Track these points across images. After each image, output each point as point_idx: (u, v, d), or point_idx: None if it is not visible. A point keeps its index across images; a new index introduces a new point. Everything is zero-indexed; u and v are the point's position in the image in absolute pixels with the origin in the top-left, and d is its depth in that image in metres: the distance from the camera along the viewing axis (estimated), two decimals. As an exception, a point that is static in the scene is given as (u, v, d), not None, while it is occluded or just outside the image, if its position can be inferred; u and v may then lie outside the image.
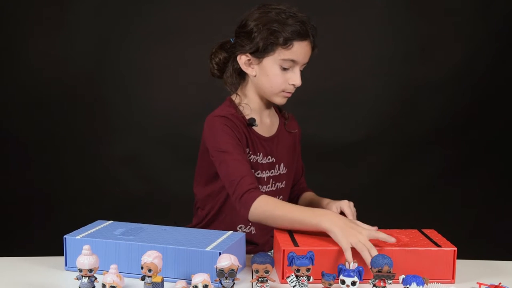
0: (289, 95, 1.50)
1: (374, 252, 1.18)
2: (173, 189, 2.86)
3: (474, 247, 1.63)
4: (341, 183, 2.82)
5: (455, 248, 1.24)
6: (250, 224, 1.54)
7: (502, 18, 2.90)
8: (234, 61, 1.50)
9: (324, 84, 2.80)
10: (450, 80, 2.93)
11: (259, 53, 1.44)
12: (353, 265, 1.10)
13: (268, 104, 1.57)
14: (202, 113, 1.54)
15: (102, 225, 1.38)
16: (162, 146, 2.92)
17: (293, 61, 1.44)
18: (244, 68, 1.49)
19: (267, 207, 1.34)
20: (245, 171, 1.40)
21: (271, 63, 1.44)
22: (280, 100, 1.51)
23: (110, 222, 1.41)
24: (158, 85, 2.90)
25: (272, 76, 1.45)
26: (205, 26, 2.82)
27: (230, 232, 1.34)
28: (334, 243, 1.24)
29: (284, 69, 1.45)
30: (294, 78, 1.46)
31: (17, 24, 2.84)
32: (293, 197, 1.72)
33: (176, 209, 2.24)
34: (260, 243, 1.58)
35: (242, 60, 1.48)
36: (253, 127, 1.52)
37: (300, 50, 1.44)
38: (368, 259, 1.16)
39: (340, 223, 1.24)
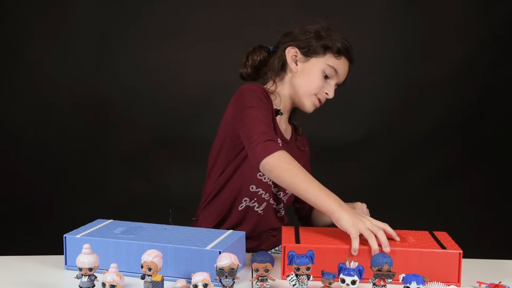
0: (318, 104, 1.56)
1: (381, 235, 1.20)
2: (173, 188, 2.86)
3: (474, 246, 1.62)
4: (341, 182, 2.80)
5: (461, 251, 1.21)
6: (255, 198, 1.52)
7: (502, 18, 2.90)
8: (282, 52, 1.54)
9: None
10: (450, 80, 2.93)
11: (310, 51, 1.51)
12: (353, 264, 1.10)
13: (291, 111, 1.62)
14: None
15: (102, 224, 1.38)
16: (162, 145, 2.92)
17: (335, 71, 1.52)
18: (289, 61, 1.53)
19: (294, 163, 1.32)
20: (270, 130, 1.39)
21: (317, 64, 1.51)
22: (309, 105, 1.55)
23: (110, 221, 1.42)
24: (158, 85, 2.90)
25: (314, 76, 1.51)
26: (205, 26, 2.82)
27: (230, 231, 1.34)
28: (335, 242, 1.24)
29: (325, 77, 1.52)
30: (329, 89, 1.53)
31: (17, 24, 2.84)
32: (305, 214, 1.72)
33: (176, 208, 2.23)
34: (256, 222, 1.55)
35: (290, 53, 1.53)
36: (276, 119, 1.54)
37: (344, 66, 1.54)
38: (374, 247, 1.19)
39: (351, 213, 1.26)
